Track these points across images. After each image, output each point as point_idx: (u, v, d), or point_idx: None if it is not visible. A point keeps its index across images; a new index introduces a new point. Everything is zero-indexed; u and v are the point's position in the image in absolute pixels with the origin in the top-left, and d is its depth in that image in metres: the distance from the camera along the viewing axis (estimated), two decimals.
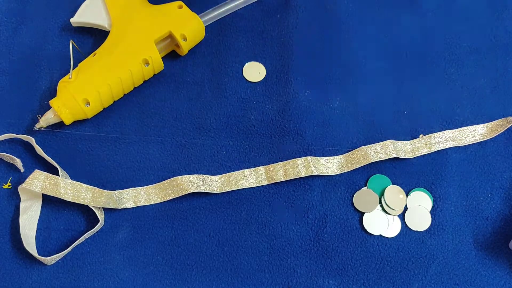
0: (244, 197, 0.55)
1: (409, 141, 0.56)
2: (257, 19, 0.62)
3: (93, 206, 0.52)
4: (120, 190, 0.54)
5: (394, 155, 0.55)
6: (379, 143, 0.56)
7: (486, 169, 0.56)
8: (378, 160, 0.55)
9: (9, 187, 0.54)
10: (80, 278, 0.52)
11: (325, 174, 0.55)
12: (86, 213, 0.54)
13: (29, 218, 0.53)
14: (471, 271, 0.52)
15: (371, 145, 0.56)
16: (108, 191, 0.53)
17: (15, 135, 0.55)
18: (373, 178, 0.55)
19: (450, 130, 0.56)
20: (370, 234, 0.53)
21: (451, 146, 0.56)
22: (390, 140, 0.56)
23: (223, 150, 0.56)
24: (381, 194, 0.55)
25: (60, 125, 0.56)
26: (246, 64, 0.60)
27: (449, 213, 0.54)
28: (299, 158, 0.55)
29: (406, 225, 0.54)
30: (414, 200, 0.54)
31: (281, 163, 0.55)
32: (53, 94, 0.56)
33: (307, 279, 0.52)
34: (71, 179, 0.54)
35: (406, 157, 0.55)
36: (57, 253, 0.51)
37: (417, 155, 0.56)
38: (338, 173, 0.55)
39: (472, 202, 0.55)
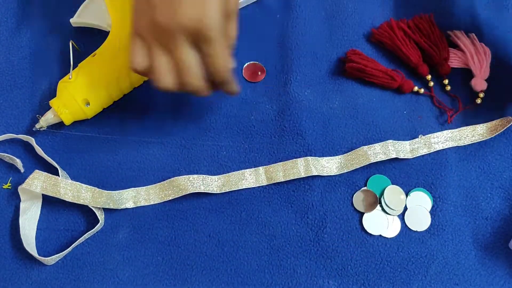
0: (244, 197, 0.55)
1: (408, 141, 0.56)
2: (257, 19, 0.62)
3: (93, 206, 0.53)
4: (120, 191, 0.54)
5: (393, 156, 0.55)
6: (379, 143, 0.56)
7: (485, 169, 0.56)
8: (378, 160, 0.55)
9: (9, 187, 0.54)
10: (80, 278, 0.52)
11: (324, 175, 0.55)
12: (86, 214, 0.54)
13: (29, 218, 0.53)
14: (471, 271, 0.52)
15: (370, 145, 0.56)
16: (108, 191, 0.53)
17: (15, 135, 0.55)
18: (372, 178, 0.55)
19: (449, 130, 0.57)
20: (370, 234, 0.53)
21: (451, 146, 0.56)
22: (390, 141, 0.56)
23: (223, 150, 0.56)
24: (381, 194, 0.55)
25: (60, 125, 0.56)
26: (246, 64, 0.60)
27: (448, 213, 0.54)
28: (299, 159, 0.55)
29: (406, 225, 0.54)
30: (414, 200, 0.54)
31: (281, 163, 0.55)
32: (53, 94, 0.56)
33: (307, 279, 0.52)
34: (71, 179, 0.54)
35: (406, 157, 0.55)
36: (57, 253, 0.52)
37: (417, 155, 0.56)
38: (337, 173, 0.55)
39: (472, 202, 0.55)
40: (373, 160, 0.55)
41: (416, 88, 0.58)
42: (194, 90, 0.47)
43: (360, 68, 0.58)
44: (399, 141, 0.56)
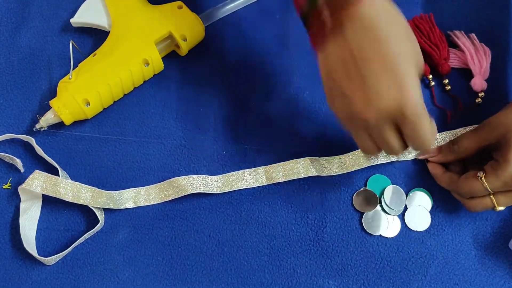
0: (244, 198, 0.55)
1: None
2: (256, 19, 0.62)
3: (93, 207, 0.53)
4: (120, 191, 0.54)
5: (394, 159, 0.55)
6: None
7: None
8: (378, 163, 0.55)
9: (9, 187, 0.54)
10: (80, 279, 0.52)
11: (324, 175, 0.55)
12: (86, 214, 0.54)
13: (29, 218, 0.53)
14: (470, 271, 0.52)
15: None
16: (108, 191, 0.53)
17: (15, 135, 0.55)
18: (372, 178, 0.55)
19: (449, 131, 0.56)
20: (370, 234, 0.53)
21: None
22: None
23: (222, 151, 0.56)
24: (381, 194, 0.55)
25: (60, 125, 0.56)
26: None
27: (448, 213, 0.54)
28: (298, 159, 0.55)
29: (406, 225, 0.54)
30: (414, 200, 0.54)
31: (280, 163, 0.55)
32: (53, 94, 0.56)
33: (307, 279, 0.52)
34: (71, 179, 0.54)
35: (406, 159, 0.55)
36: (57, 254, 0.52)
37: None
38: (337, 173, 0.55)
39: None
40: (373, 162, 0.55)
41: None
42: (395, 156, 0.51)
43: None
44: None
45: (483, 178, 0.48)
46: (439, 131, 0.56)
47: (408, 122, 0.42)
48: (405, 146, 0.46)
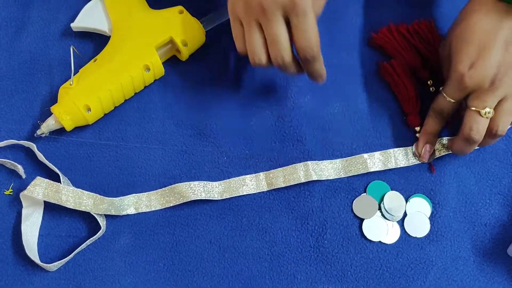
0: (245, 204, 0.55)
1: (409, 148, 0.56)
2: None
3: (95, 213, 0.53)
4: (122, 197, 0.54)
5: (393, 166, 0.55)
6: (379, 152, 0.56)
7: (484, 175, 0.56)
8: (377, 170, 0.55)
9: (11, 193, 0.55)
10: (82, 285, 0.52)
11: (324, 179, 0.55)
12: (87, 220, 0.54)
13: (31, 224, 0.53)
14: (469, 277, 0.53)
15: (371, 153, 0.56)
16: (110, 198, 0.53)
17: (17, 141, 0.55)
18: (372, 184, 0.56)
19: (447, 138, 0.57)
20: (370, 240, 0.54)
21: (450, 152, 0.56)
22: (391, 150, 0.56)
23: (223, 156, 0.57)
24: (381, 201, 0.55)
25: (61, 131, 0.56)
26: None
27: (448, 219, 0.55)
28: (298, 164, 0.55)
29: (405, 231, 0.54)
30: (413, 206, 0.55)
31: (281, 168, 0.55)
32: (54, 100, 0.56)
33: (307, 285, 0.52)
34: (72, 184, 0.55)
35: (405, 165, 0.56)
36: (59, 260, 0.52)
37: (417, 162, 0.56)
38: (336, 177, 0.55)
39: (471, 208, 0.55)
40: (372, 169, 0.55)
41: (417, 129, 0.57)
42: (283, 65, 0.50)
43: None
44: (399, 148, 0.56)
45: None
46: (439, 137, 0.57)
47: (300, 13, 0.47)
48: (293, 58, 0.50)
